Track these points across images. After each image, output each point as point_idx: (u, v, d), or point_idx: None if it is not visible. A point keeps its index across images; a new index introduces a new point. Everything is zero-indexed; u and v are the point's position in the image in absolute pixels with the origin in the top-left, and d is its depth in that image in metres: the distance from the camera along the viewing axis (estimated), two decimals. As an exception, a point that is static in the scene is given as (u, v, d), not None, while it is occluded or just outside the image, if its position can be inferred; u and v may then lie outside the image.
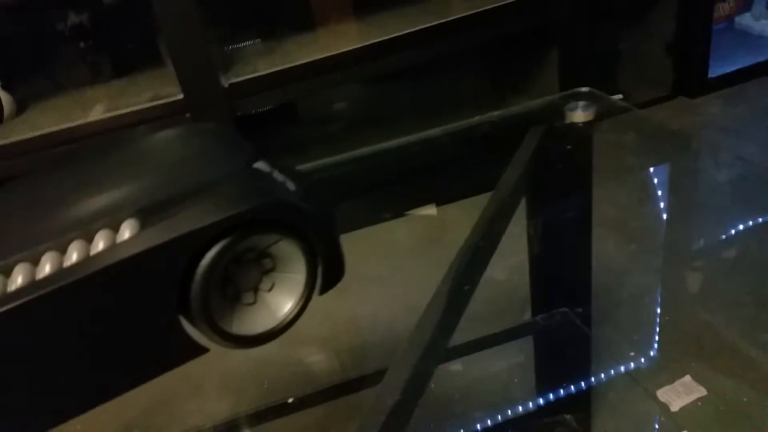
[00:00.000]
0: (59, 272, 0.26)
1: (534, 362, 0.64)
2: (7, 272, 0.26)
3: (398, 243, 1.01)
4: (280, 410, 0.64)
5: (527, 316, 0.64)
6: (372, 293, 0.89)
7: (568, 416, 0.58)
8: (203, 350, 0.30)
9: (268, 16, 1.18)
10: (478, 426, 0.58)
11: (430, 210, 1.06)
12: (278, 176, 0.31)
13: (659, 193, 0.90)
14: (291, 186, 0.31)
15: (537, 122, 0.50)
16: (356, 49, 1.04)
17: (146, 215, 0.28)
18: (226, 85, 0.96)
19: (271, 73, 0.99)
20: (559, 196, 0.53)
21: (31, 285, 0.26)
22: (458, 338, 0.61)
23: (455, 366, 0.64)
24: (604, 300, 0.66)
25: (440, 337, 0.39)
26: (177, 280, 0.27)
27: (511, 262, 0.67)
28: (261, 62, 1.03)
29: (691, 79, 1.39)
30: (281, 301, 0.31)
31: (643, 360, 0.63)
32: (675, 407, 0.54)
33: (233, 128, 0.35)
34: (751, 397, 0.57)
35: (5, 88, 0.97)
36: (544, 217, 0.56)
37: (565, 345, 0.60)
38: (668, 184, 0.92)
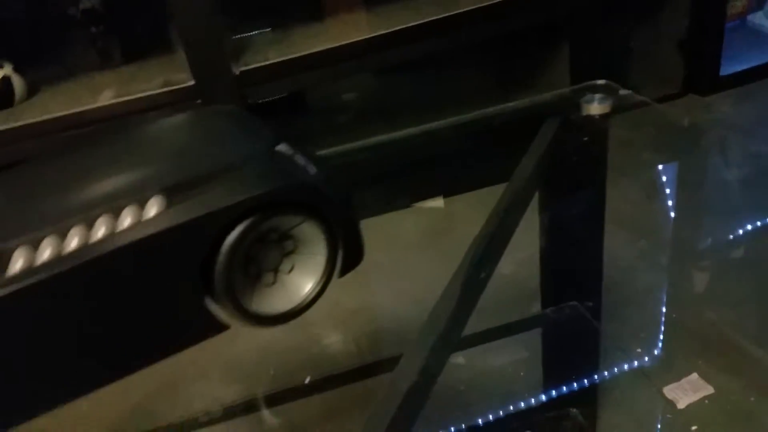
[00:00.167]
0: (86, 247, 0.26)
1: (542, 355, 0.64)
2: (35, 246, 0.26)
3: (405, 235, 1.01)
4: (287, 395, 0.65)
5: (536, 308, 0.64)
6: (379, 285, 0.89)
7: (574, 410, 0.59)
8: (224, 327, 0.30)
9: (277, 6, 1.17)
10: (485, 418, 0.58)
11: (438, 202, 1.06)
12: (300, 159, 0.32)
13: (669, 190, 0.90)
14: (312, 169, 0.31)
15: (552, 114, 0.50)
16: (365, 39, 1.03)
17: (172, 193, 0.28)
18: (237, 73, 0.96)
19: (281, 62, 0.99)
20: (573, 188, 0.53)
21: (58, 259, 0.26)
22: (467, 330, 0.62)
23: (461, 358, 0.64)
24: (612, 296, 0.66)
25: (455, 325, 0.39)
26: (202, 257, 0.28)
27: (518, 257, 0.67)
28: (271, 51, 1.03)
29: (702, 77, 1.38)
30: (300, 284, 0.32)
31: (649, 357, 0.63)
32: (681, 404, 0.55)
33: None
34: (758, 397, 0.57)
35: (17, 71, 0.97)
36: (556, 210, 0.56)
37: (573, 338, 0.61)
38: (678, 181, 0.92)
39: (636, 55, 1.42)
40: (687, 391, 0.56)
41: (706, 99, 1.35)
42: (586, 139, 0.49)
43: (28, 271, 0.26)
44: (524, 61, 1.32)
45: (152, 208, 0.28)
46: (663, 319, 0.68)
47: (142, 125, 0.34)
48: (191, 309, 0.29)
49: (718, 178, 0.99)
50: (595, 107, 0.48)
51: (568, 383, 0.58)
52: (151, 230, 0.27)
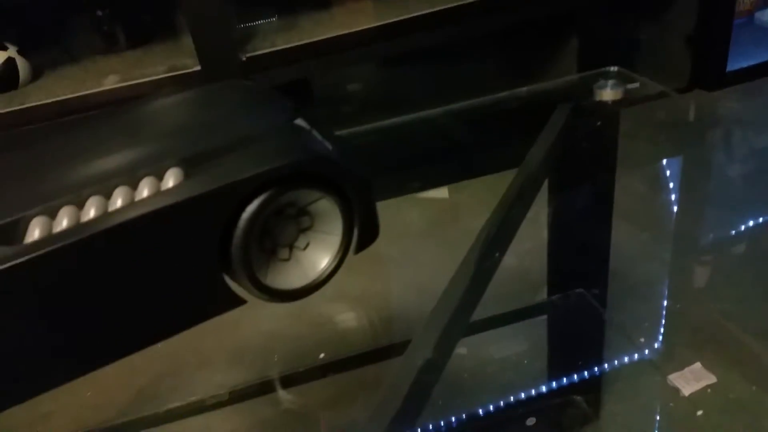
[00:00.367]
0: (104, 216, 0.26)
1: (547, 342, 0.65)
2: (52, 215, 0.26)
3: (408, 225, 1.01)
4: (293, 379, 0.65)
5: (543, 296, 0.64)
6: (382, 273, 0.89)
7: (578, 398, 0.59)
8: (241, 301, 0.30)
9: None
10: (489, 406, 0.58)
11: (442, 193, 1.06)
12: (317, 135, 0.32)
13: (674, 183, 0.90)
14: (328, 145, 0.31)
15: (564, 100, 0.50)
16: (373, 28, 1.03)
17: (191, 164, 0.28)
18: (244, 59, 0.96)
19: (288, 48, 0.98)
20: (584, 174, 0.53)
21: (76, 227, 0.26)
22: (472, 317, 0.62)
23: (465, 348, 0.64)
24: (616, 286, 0.66)
25: (464, 310, 0.39)
26: (219, 229, 0.28)
27: (524, 248, 0.67)
28: (278, 38, 1.02)
29: (709, 72, 1.38)
30: (315, 261, 0.32)
31: (653, 346, 0.63)
32: (685, 393, 0.55)
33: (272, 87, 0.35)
34: (759, 387, 0.58)
35: (21, 54, 0.97)
36: (566, 196, 0.56)
37: (579, 326, 0.61)
38: (683, 175, 0.92)
39: (644, 48, 1.42)
40: (690, 380, 0.56)
41: (712, 94, 1.35)
42: (599, 124, 0.49)
43: (46, 239, 0.26)
44: (532, 53, 1.32)
45: (170, 179, 0.27)
46: (666, 310, 0.68)
47: (160, 99, 0.34)
48: (208, 282, 0.29)
49: (723, 173, 0.99)
50: (608, 93, 0.48)
51: (573, 370, 0.58)
52: (169, 201, 0.27)
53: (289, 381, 0.67)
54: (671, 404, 0.57)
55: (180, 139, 0.29)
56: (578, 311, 0.60)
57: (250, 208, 0.28)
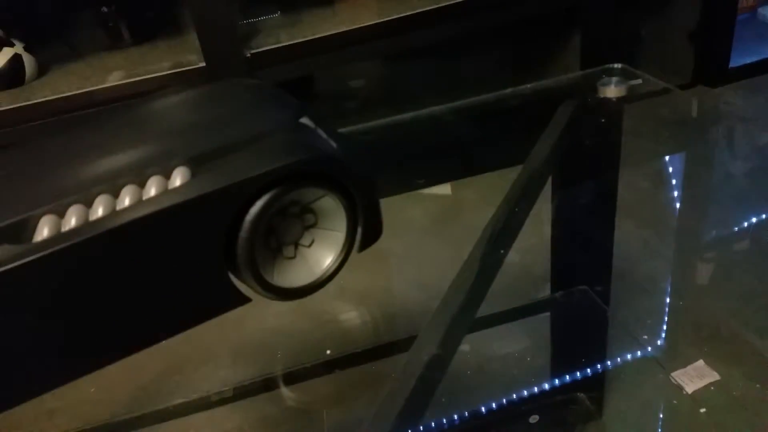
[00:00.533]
0: (112, 214, 0.27)
1: (550, 339, 0.65)
2: (61, 214, 0.26)
3: (412, 221, 1.01)
4: (297, 375, 0.65)
5: (546, 293, 0.64)
6: (386, 269, 0.90)
7: (581, 395, 0.59)
8: (246, 300, 0.30)
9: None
10: (491, 403, 0.59)
11: (445, 189, 1.06)
12: (322, 133, 0.32)
13: (676, 180, 0.90)
14: (333, 144, 0.31)
15: (569, 96, 0.50)
16: (376, 24, 1.03)
17: (198, 163, 0.28)
18: (248, 55, 0.96)
19: (292, 45, 0.99)
20: (588, 170, 0.53)
21: (85, 225, 0.26)
22: (476, 313, 0.62)
23: (467, 346, 0.64)
24: (619, 284, 0.66)
25: (469, 306, 0.39)
26: (225, 228, 0.28)
27: (526, 244, 0.67)
28: (282, 34, 1.02)
29: (711, 68, 1.37)
30: (320, 258, 0.32)
31: (656, 343, 0.63)
32: (688, 390, 0.55)
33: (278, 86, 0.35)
34: (763, 385, 0.58)
35: (27, 50, 0.97)
36: (570, 192, 0.56)
37: (582, 323, 0.61)
38: (686, 171, 0.92)
39: (647, 45, 1.41)
40: (693, 378, 0.56)
41: (715, 90, 1.35)
42: (602, 120, 0.49)
43: (55, 237, 0.26)
44: (535, 50, 1.31)
45: (177, 178, 0.28)
46: (670, 307, 0.68)
47: (166, 97, 0.35)
48: (213, 280, 0.29)
49: (726, 169, 0.98)
50: (612, 90, 0.48)
51: (576, 367, 0.58)
52: (177, 199, 0.27)
53: (292, 377, 0.67)
54: (674, 401, 0.57)
55: (187, 138, 0.30)
56: (581, 308, 0.60)
57: (255, 207, 0.28)
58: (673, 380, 0.56)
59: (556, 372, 0.60)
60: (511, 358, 0.64)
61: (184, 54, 0.99)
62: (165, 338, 0.29)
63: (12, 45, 0.96)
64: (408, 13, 1.04)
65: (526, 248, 0.70)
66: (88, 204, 0.27)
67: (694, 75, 1.39)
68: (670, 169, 0.90)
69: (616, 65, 0.51)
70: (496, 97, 0.51)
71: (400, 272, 0.89)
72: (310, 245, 0.32)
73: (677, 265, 0.77)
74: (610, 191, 0.53)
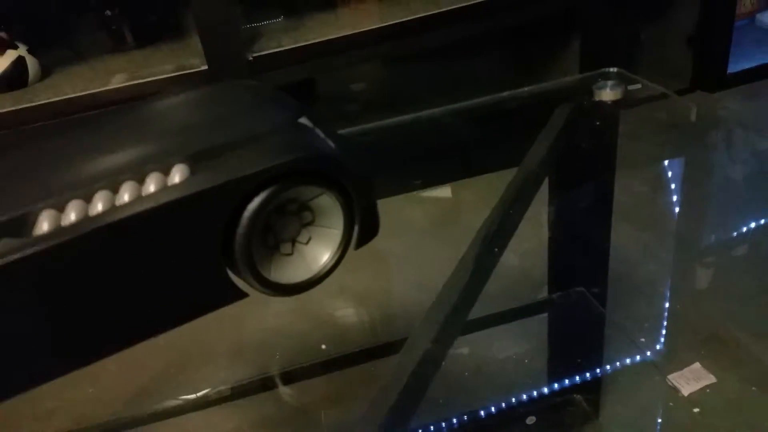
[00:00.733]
0: (112, 209, 0.27)
1: (547, 340, 0.65)
2: (60, 209, 0.27)
3: (412, 224, 1.01)
4: (294, 375, 0.66)
5: (543, 294, 0.64)
6: (385, 270, 0.90)
7: (578, 396, 0.59)
8: (243, 295, 0.31)
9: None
10: (489, 404, 0.59)
11: (445, 192, 1.07)
12: (320, 133, 0.32)
13: (675, 185, 0.90)
14: (331, 143, 0.32)
15: (565, 99, 0.51)
16: (378, 28, 1.04)
17: (196, 161, 0.28)
18: (251, 58, 0.97)
19: (294, 48, 0.99)
20: (584, 173, 0.54)
21: (84, 220, 0.27)
22: (474, 314, 0.62)
23: (466, 349, 0.65)
24: (616, 287, 0.67)
25: (461, 307, 0.40)
26: (223, 224, 0.28)
27: (525, 247, 0.68)
28: (285, 38, 1.03)
29: (710, 74, 1.38)
30: (317, 255, 0.32)
31: (653, 346, 0.63)
32: (684, 392, 0.55)
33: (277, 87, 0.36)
34: (759, 388, 0.58)
35: (31, 53, 0.98)
36: (566, 195, 0.56)
37: (579, 324, 0.61)
38: (684, 176, 0.92)
39: (646, 50, 1.42)
40: (689, 380, 0.56)
41: (713, 95, 1.35)
42: (598, 123, 0.49)
43: (55, 231, 0.26)
44: (535, 54, 1.32)
45: (176, 175, 0.28)
46: (667, 310, 0.69)
47: (166, 98, 0.35)
48: (211, 275, 0.29)
49: (724, 174, 0.99)
50: (608, 93, 0.48)
51: (574, 369, 0.58)
52: (175, 195, 0.27)
53: (291, 377, 0.67)
54: (671, 404, 0.57)
55: (186, 136, 0.30)
56: (578, 310, 0.61)
57: (253, 204, 0.29)
58: (669, 383, 0.56)
59: (554, 373, 0.60)
60: (509, 359, 0.65)
61: (187, 57, 1.00)
62: (162, 332, 0.30)
63: (16, 47, 0.96)
64: (409, 18, 1.05)
65: (525, 251, 0.70)
66: (88, 199, 0.27)
67: (692, 80, 1.39)
68: (669, 174, 0.90)
69: (612, 69, 0.52)
70: (493, 99, 0.52)
71: (399, 273, 0.89)
72: (307, 242, 0.32)
73: (675, 268, 0.77)
74: (607, 193, 0.54)
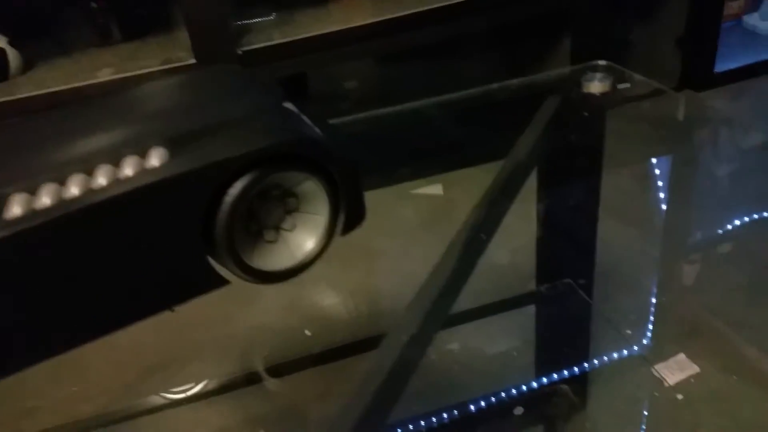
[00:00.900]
0: (86, 193, 0.26)
1: (535, 332, 0.65)
2: (33, 191, 0.26)
3: (404, 220, 1.01)
4: (281, 369, 0.65)
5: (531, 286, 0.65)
6: (376, 267, 0.90)
7: (565, 387, 0.60)
8: (224, 282, 0.30)
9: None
10: (476, 395, 0.59)
11: (437, 190, 1.07)
12: (305, 118, 0.32)
13: (661, 182, 0.91)
14: (317, 129, 0.32)
15: (553, 92, 0.51)
16: (370, 24, 1.04)
17: (175, 144, 0.28)
18: (240, 53, 0.96)
19: (285, 43, 0.99)
20: (572, 165, 0.54)
21: (58, 204, 0.26)
22: (461, 307, 0.62)
23: (453, 337, 0.65)
24: (603, 281, 0.67)
25: (448, 294, 0.40)
26: (203, 209, 0.28)
27: (516, 244, 0.68)
28: (275, 32, 1.03)
29: (697, 73, 1.40)
30: (302, 242, 0.32)
31: (639, 338, 0.64)
32: (669, 383, 0.56)
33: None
34: (740, 377, 0.59)
35: (12, 45, 0.96)
36: (554, 186, 0.56)
37: (567, 315, 0.61)
38: (671, 173, 0.93)
39: (635, 49, 1.43)
40: (674, 370, 0.57)
41: (700, 94, 1.37)
42: (586, 115, 0.49)
43: (27, 215, 0.26)
44: (526, 52, 1.33)
45: (154, 158, 0.28)
46: (652, 303, 0.69)
47: (147, 84, 0.35)
48: (192, 262, 0.29)
49: (710, 171, 1.00)
50: (596, 86, 0.49)
51: (561, 360, 0.58)
52: (152, 179, 0.27)
53: (280, 372, 0.67)
54: (656, 393, 0.58)
55: (166, 119, 0.30)
56: (566, 301, 0.61)
57: (234, 189, 0.28)
58: (655, 373, 0.56)
59: (541, 365, 0.60)
60: (496, 351, 0.65)
61: (174, 51, 0.99)
62: (141, 319, 0.29)
63: (-3, 39, 0.95)
64: (402, 14, 1.05)
65: (516, 248, 0.70)
66: (62, 182, 0.27)
67: (680, 79, 1.41)
68: (657, 171, 0.91)
69: (601, 62, 0.52)
70: (482, 91, 0.52)
71: (390, 270, 0.89)
72: (291, 229, 0.32)
73: (661, 263, 0.78)
74: (594, 185, 0.54)
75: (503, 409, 0.58)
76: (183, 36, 0.95)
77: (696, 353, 0.57)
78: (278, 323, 0.76)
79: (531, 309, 0.67)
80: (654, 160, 0.88)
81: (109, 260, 0.27)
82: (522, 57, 1.34)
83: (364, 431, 0.34)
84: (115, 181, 0.27)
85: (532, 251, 0.63)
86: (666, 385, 0.54)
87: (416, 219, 0.99)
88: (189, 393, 0.66)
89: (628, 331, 0.63)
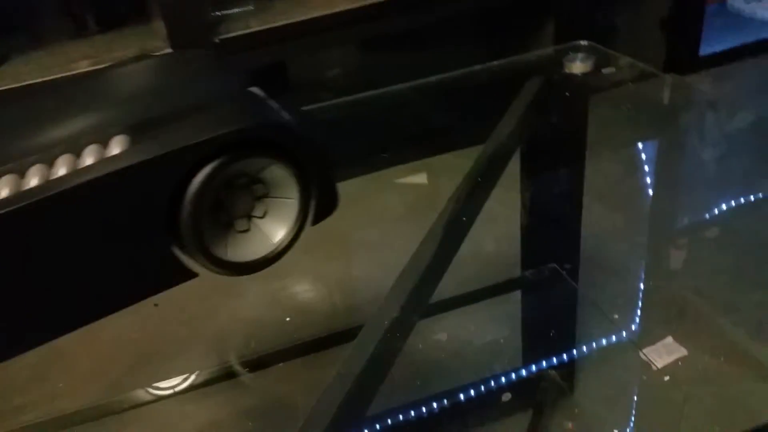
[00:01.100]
0: (46, 183, 0.25)
1: (521, 317, 0.65)
2: (-8, 182, 0.25)
3: (388, 210, 1.00)
4: (265, 361, 0.64)
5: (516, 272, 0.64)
6: (361, 258, 0.89)
7: (553, 372, 0.59)
8: (192, 275, 0.29)
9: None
10: (465, 382, 0.58)
11: (421, 179, 1.06)
12: (273, 103, 0.31)
13: (647, 166, 0.91)
14: (285, 114, 0.30)
15: (535, 72, 0.50)
16: (351, 9, 1.02)
17: (137, 132, 0.27)
18: (217, 41, 0.94)
19: (263, 30, 0.97)
20: (555, 147, 0.53)
21: (17, 195, 0.25)
22: (446, 293, 0.62)
23: (441, 326, 0.64)
24: (590, 266, 0.67)
25: (426, 285, 0.39)
26: (166, 199, 0.27)
27: (497, 230, 0.67)
28: (253, 20, 1.01)
29: (682, 57, 1.40)
30: (275, 228, 0.31)
31: (627, 321, 0.64)
32: (658, 365, 0.56)
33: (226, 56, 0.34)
34: (726, 359, 0.59)
35: (-16, 38, 0.94)
36: (537, 169, 0.56)
37: (553, 300, 0.61)
38: (657, 157, 0.93)
39: (620, 33, 1.43)
40: (662, 354, 0.57)
41: (685, 78, 1.37)
42: (568, 95, 0.49)
43: None
44: (510, 36, 1.32)
45: (115, 147, 0.27)
46: (640, 286, 0.69)
47: (110, 69, 0.33)
48: (157, 254, 0.28)
49: (695, 155, 1.00)
50: (578, 66, 0.48)
51: (547, 345, 0.58)
52: (113, 167, 0.26)
53: (265, 364, 0.66)
54: (644, 377, 0.58)
55: (128, 105, 0.29)
56: (551, 286, 0.61)
57: (198, 178, 0.27)
58: (643, 357, 0.56)
59: (528, 350, 0.60)
60: (483, 338, 0.64)
61: (151, 40, 0.97)
62: (107, 314, 0.28)
63: (-32, 32, 0.92)
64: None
65: (500, 234, 0.70)
66: (22, 174, 0.26)
67: (665, 63, 1.41)
68: (643, 155, 0.91)
69: (583, 42, 0.51)
70: (463, 73, 0.51)
71: (375, 260, 0.88)
72: (263, 216, 0.31)
73: (647, 247, 0.78)
74: (579, 166, 0.53)
75: (491, 395, 0.57)
76: (159, 26, 0.93)
77: (683, 336, 0.57)
78: (262, 315, 0.75)
79: (517, 295, 0.67)
80: (640, 144, 0.88)
81: (69, 253, 0.26)
82: (506, 42, 1.33)
83: (343, 421, 0.33)
84: (75, 171, 0.26)
85: (517, 236, 0.63)
86: (654, 368, 0.54)
87: (401, 208, 0.99)
88: (175, 387, 0.65)
89: (615, 316, 0.63)
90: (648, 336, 0.61)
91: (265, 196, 0.31)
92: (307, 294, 0.79)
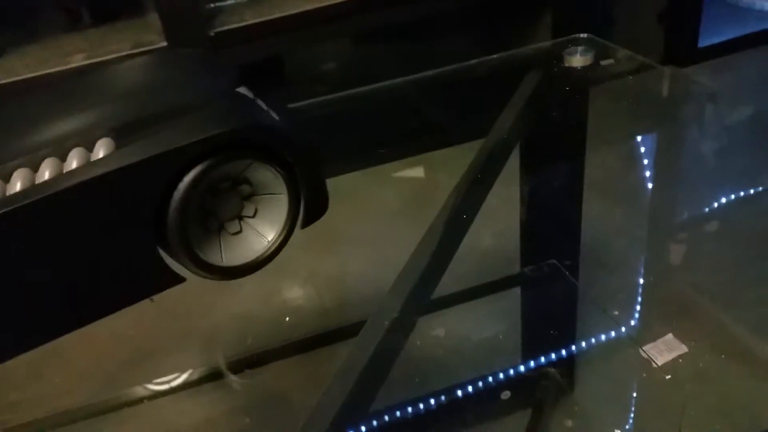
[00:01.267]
0: (30, 188, 0.25)
1: (520, 314, 0.64)
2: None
3: (385, 204, 1.00)
4: (263, 358, 0.64)
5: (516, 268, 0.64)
6: (357, 253, 0.88)
7: (552, 370, 0.59)
8: (180, 279, 0.29)
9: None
10: (464, 380, 0.58)
11: (418, 172, 1.05)
12: (261, 103, 0.30)
13: (647, 159, 0.90)
14: (274, 114, 0.30)
15: (535, 66, 0.49)
16: (347, 1, 1.01)
17: (122, 135, 0.26)
18: (212, 34, 0.93)
19: (259, 23, 0.96)
20: (555, 140, 0.52)
21: (1, 201, 0.24)
22: (445, 291, 0.61)
23: (439, 321, 0.64)
24: (589, 261, 0.66)
25: (427, 282, 0.38)
26: (153, 203, 0.26)
27: (502, 227, 0.67)
28: (248, 12, 0.99)
29: (680, 49, 1.39)
30: (267, 225, 0.30)
31: (627, 319, 0.63)
32: (658, 363, 0.55)
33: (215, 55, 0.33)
34: (727, 356, 0.59)
35: (-24, 32, 0.92)
36: (537, 166, 0.55)
37: (553, 297, 0.60)
38: (656, 150, 0.93)
39: (618, 26, 1.42)
40: (662, 351, 0.56)
41: (684, 70, 1.36)
42: (568, 89, 0.48)
43: None
44: (507, 29, 1.31)
45: (100, 150, 0.26)
46: (640, 282, 0.69)
47: (98, 70, 0.33)
48: (144, 259, 0.27)
49: (695, 147, 1.00)
50: (577, 59, 0.47)
51: (547, 342, 0.58)
52: (98, 171, 0.25)
53: (263, 361, 0.66)
54: (644, 375, 0.57)
55: (113, 107, 0.28)
56: (551, 283, 0.60)
57: (184, 183, 0.26)
58: (643, 354, 0.56)
59: (527, 347, 0.59)
60: (482, 335, 0.64)
61: (146, 34, 0.96)
62: (94, 320, 0.27)
63: (-40, 26, 0.91)
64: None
65: (499, 230, 0.69)
66: (6, 179, 0.25)
67: (664, 55, 1.40)
68: (642, 148, 0.90)
69: (582, 35, 0.50)
70: (462, 67, 0.50)
71: (373, 256, 0.88)
72: (254, 215, 0.30)
73: (647, 242, 0.77)
74: (578, 162, 0.53)
75: (490, 393, 0.57)
76: (154, 19, 0.92)
77: (684, 333, 0.57)
78: (260, 312, 0.74)
79: (516, 292, 0.66)
80: (639, 138, 0.88)
81: (55, 259, 0.25)
82: (503, 35, 1.32)
83: (347, 418, 0.33)
84: (60, 176, 0.25)
85: (516, 232, 0.62)
86: (654, 366, 0.53)
87: (398, 203, 0.98)
88: (172, 384, 0.65)
89: (615, 312, 0.62)
90: (648, 332, 0.60)
91: (253, 194, 0.30)
92: (303, 291, 0.78)
